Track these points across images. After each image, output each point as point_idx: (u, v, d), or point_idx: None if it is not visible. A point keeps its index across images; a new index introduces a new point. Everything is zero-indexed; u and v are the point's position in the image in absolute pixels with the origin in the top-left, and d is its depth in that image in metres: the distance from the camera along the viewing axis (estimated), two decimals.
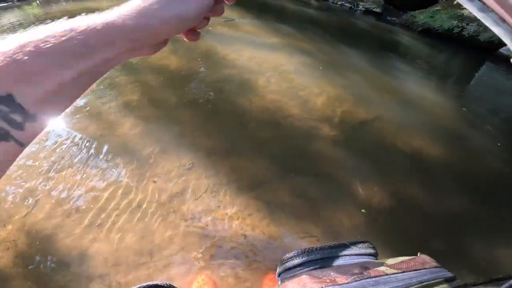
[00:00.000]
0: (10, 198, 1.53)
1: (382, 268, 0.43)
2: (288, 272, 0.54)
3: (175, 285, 0.56)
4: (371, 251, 0.57)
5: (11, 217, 1.45)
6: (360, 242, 0.58)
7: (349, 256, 0.54)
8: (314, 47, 3.77)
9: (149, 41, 0.34)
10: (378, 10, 6.20)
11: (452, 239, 1.71)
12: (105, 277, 1.28)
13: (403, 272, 0.41)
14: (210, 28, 3.76)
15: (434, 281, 0.40)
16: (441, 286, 0.40)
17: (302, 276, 0.47)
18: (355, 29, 5.41)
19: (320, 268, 0.51)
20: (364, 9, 6.29)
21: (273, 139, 2.20)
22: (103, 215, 1.49)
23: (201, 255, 1.39)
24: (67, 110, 0.33)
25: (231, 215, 1.59)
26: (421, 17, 5.65)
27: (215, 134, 2.16)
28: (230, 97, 2.56)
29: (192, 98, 2.50)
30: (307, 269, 0.53)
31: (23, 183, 1.61)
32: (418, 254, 0.48)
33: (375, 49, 4.41)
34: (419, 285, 0.39)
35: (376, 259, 0.55)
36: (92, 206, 1.53)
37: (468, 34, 5.09)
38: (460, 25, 5.17)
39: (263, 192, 1.77)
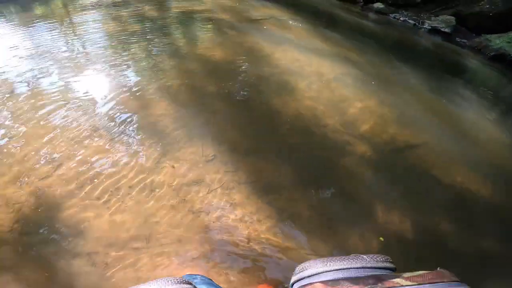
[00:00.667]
0: (36, 158, 1.63)
1: (397, 280, 0.42)
2: (302, 282, 0.51)
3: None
4: (390, 265, 0.54)
5: (30, 178, 1.54)
6: (378, 256, 0.54)
7: (366, 269, 0.51)
8: (364, 59, 3.56)
9: None
10: (447, 30, 5.68)
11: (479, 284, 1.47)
12: (93, 255, 1.29)
13: (419, 284, 0.40)
14: (265, 27, 3.75)
15: None
16: None
17: (315, 284, 0.46)
18: (415, 46, 5.03)
19: (334, 279, 0.48)
20: (430, 27, 5.80)
21: (302, 146, 2.10)
22: (113, 191, 1.53)
23: (197, 251, 1.35)
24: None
25: (240, 216, 1.54)
26: (497, 41, 5.07)
27: (243, 131, 2.12)
28: (267, 96, 2.50)
29: (229, 91, 2.49)
30: (321, 279, 0.50)
31: (52, 146, 1.71)
32: (438, 268, 0.46)
33: (435, 69, 4.04)
34: None
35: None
36: (105, 180, 1.57)
37: None
38: None
39: (279, 199, 1.69)
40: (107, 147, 1.79)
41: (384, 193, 1.84)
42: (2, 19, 3.71)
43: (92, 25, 3.60)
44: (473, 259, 1.59)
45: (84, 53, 2.90)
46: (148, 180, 1.62)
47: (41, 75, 2.47)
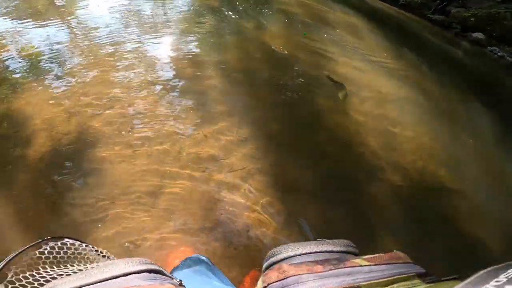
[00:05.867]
0: (92, 97, 1.85)
1: (357, 260, 0.46)
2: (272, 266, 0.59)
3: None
4: (352, 249, 0.57)
5: (79, 114, 1.73)
6: (343, 240, 0.58)
7: (332, 253, 0.54)
8: (438, 90, 3.28)
9: None
10: None
11: None
12: (100, 197, 1.40)
13: (377, 265, 0.44)
14: (337, 31, 3.66)
15: (406, 275, 0.43)
16: (413, 280, 0.42)
17: (282, 264, 0.49)
18: (499, 87, 4.45)
19: (301, 261, 0.52)
20: None
21: (334, 157, 2.08)
22: (145, 143, 1.68)
23: (197, 223, 1.44)
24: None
25: (251, 204, 1.60)
26: None
27: (282, 123, 2.16)
28: (316, 99, 2.49)
29: (281, 83, 2.53)
30: (290, 262, 0.54)
31: (109, 90, 1.93)
32: (394, 251, 0.50)
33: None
34: (391, 278, 0.42)
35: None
36: (141, 130, 1.73)
37: None
38: None
39: (294, 199, 1.72)
40: (155, 102, 1.97)
41: (398, 225, 1.78)
42: None
43: None
44: None
45: (164, 18, 3.15)
46: (179, 142, 1.75)
47: (122, 29, 2.77)
